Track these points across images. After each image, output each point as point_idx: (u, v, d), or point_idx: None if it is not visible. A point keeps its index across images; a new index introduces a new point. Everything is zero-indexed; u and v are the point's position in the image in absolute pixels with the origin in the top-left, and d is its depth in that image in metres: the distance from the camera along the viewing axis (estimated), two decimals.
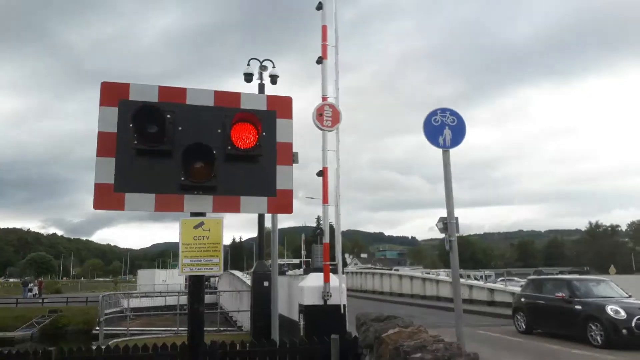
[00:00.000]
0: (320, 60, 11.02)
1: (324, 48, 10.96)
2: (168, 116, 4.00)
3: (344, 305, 9.62)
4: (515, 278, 31.56)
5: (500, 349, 10.96)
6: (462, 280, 26.80)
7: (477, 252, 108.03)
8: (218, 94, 4.26)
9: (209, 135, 4.10)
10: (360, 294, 33.78)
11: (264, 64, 14.18)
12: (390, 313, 6.12)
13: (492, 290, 24.89)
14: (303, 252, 56.78)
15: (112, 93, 4.04)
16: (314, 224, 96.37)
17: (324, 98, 10.48)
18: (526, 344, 12.44)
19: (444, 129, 7.10)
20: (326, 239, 10.26)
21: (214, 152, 3.95)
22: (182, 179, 3.95)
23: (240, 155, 4.11)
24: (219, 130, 4.15)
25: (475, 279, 29.13)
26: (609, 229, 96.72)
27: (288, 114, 4.42)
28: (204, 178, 4.00)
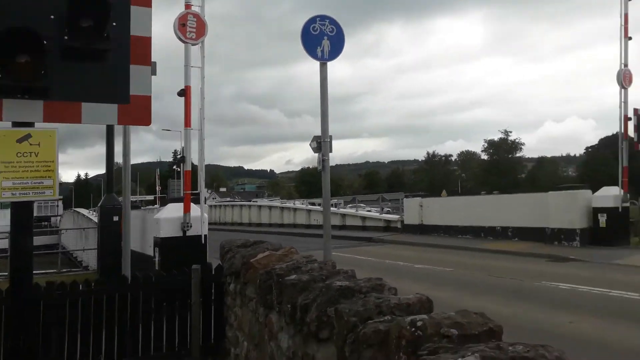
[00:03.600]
0: None
1: None
2: None
3: (205, 236, 9.11)
4: (362, 204, 34.04)
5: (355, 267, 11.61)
6: (315, 207, 28.00)
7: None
8: None
9: (38, 21, 3.09)
10: (221, 227, 33.46)
11: None
12: None
13: (343, 216, 26.44)
14: (158, 188, 53.86)
15: None
16: (170, 159, 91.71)
17: (187, 6, 8.83)
18: (375, 261, 13.43)
19: (323, 39, 6.65)
20: (187, 166, 9.44)
21: (45, 42, 3.00)
22: None
23: (82, 48, 3.17)
24: (52, 16, 3.15)
25: None
26: (443, 158, 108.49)
27: (146, 1, 3.55)
28: (31, 77, 3.03)
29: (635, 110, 15.21)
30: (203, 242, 9.04)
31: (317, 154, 6.65)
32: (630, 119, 15.12)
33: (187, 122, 9.16)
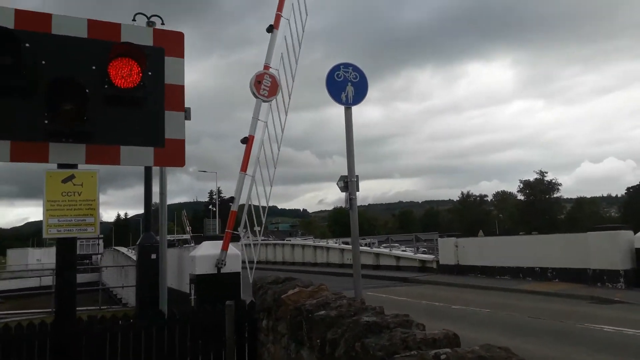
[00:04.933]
0: (270, 29, 10.82)
1: (277, 18, 10.86)
2: (27, 44, 3.27)
3: (239, 273, 9.28)
4: (396, 244, 33.63)
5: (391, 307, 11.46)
6: (348, 246, 27.86)
7: (362, 222, 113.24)
8: (93, 24, 3.60)
9: (81, 72, 3.43)
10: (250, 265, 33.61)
11: (151, 19, 12.91)
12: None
13: (377, 255, 26.16)
14: (188, 228, 54.77)
15: None
16: (205, 199, 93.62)
17: (266, 67, 10.17)
18: (411, 302, 13.20)
19: (347, 85, 6.95)
20: (235, 207, 9.93)
21: (87, 90, 3.32)
22: (46, 122, 3.28)
23: (120, 95, 3.47)
24: (94, 67, 3.50)
25: (361, 245, 30.42)
26: (478, 198, 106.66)
27: (179, 52, 3.86)
28: (75, 122, 3.35)
29: None
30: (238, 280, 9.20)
31: (344, 193, 6.80)
32: None
33: (244, 167, 10.02)
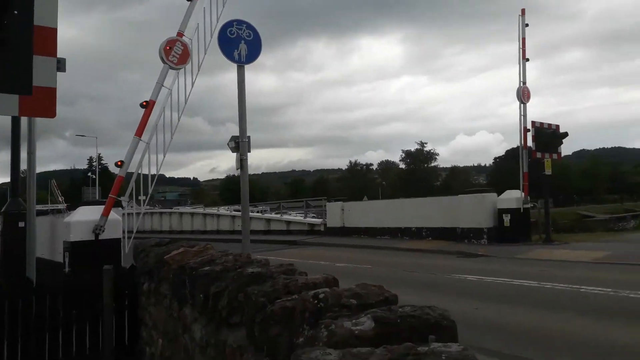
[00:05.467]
0: None
1: None
2: None
3: (120, 239, 8.78)
4: (288, 211, 34.25)
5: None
6: (240, 213, 27.76)
7: (254, 191, 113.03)
8: None
9: None
10: (138, 235, 32.11)
11: None
12: None
13: (268, 221, 26.43)
14: (61, 198, 50.44)
15: None
16: (84, 166, 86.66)
17: (180, 34, 9.50)
18: (298, 262, 13.56)
19: (240, 42, 6.75)
20: (123, 173, 9.31)
21: None
22: None
23: None
24: None
25: (252, 212, 30.48)
26: (364, 167, 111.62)
27: None
28: None
29: (533, 122, 16.91)
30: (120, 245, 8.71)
31: (235, 154, 6.70)
32: (529, 130, 16.76)
33: (139, 132, 9.43)
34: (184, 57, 9.64)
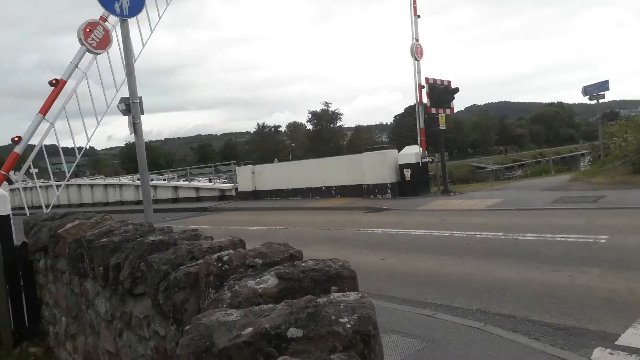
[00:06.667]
0: None
1: None
2: None
3: (9, 216, 8.03)
4: (197, 177, 33.35)
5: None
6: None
7: (159, 158, 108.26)
8: None
9: None
10: (31, 210, 29.61)
11: None
12: None
13: (176, 188, 25.60)
14: None
15: None
16: None
17: (103, 19, 8.93)
18: (209, 228, 13.39)
19: None
20: (20, 150, 8.66)
21: None
22: None
23: None
24: None
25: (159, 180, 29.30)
26: (272, 129, 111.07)
27: None
28: None
29: (427, 79, 17.56)
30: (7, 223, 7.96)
31: (127, 117, 6.30)
32: (423, 86, 17.37)
33: (44, 110, 9.00)
34: (104, 42, 9.23)
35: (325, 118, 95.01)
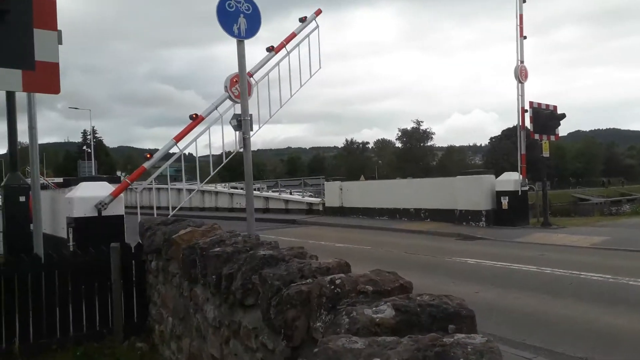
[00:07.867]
0: (269, 50, 11.93)
1: (281, 46, 12.22)
2: None
3: (122, 216, 8.81)
4: (284, 189, 34.32)
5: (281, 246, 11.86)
6: (237, 190, 27.79)
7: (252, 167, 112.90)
8: None
9: None
10: (135, 211, 32.14)
11: None
12: None
13: (267, 199, 26.48)
14: (45, 171, 50.11)
15: None
16: (78, 140, 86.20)
17: (249, 74, 10.53)
18: (298, 242, 13.67)
19: (239, 16, 6.63)
20: (148, 165, 10.24)
21: None
22: None
23: None
24: None
25: None
26: (360, 145, 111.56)
27: None
28: None
29: (531, 103, 16.72)
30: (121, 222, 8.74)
31: (237, 132, 6.69)
32: (526, 110, 16.57)
33: (179, 137, 10.42)
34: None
35: (415, 136, 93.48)
